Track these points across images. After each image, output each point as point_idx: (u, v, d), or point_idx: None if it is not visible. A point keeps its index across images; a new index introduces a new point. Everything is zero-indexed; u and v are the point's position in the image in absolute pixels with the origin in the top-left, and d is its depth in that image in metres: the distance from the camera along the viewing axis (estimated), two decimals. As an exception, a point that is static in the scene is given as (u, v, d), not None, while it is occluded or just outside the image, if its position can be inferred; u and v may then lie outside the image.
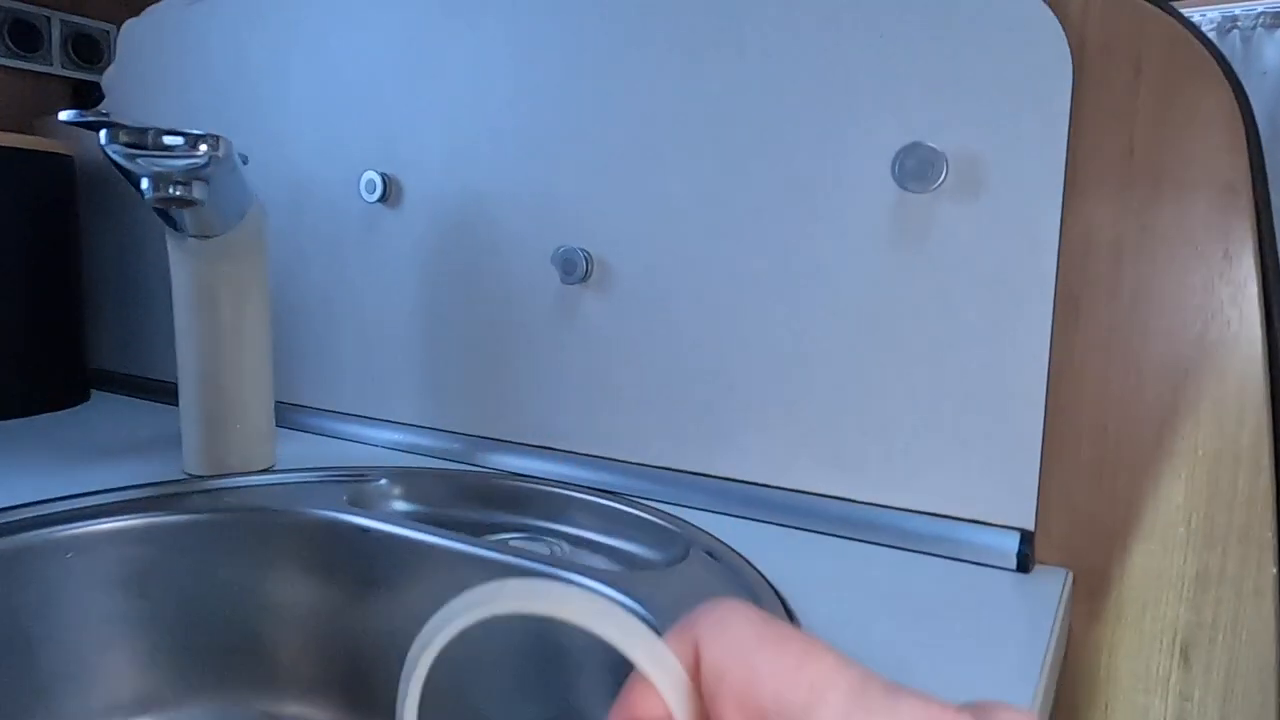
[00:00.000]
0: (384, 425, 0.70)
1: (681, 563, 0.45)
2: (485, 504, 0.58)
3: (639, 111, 0.55)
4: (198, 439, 0.59)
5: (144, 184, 0.42)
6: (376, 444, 0.69)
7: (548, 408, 0.62)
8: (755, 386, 0.53)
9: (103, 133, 0.41)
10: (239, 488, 0.57)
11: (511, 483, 0.59)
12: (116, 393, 0.90)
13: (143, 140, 0.40)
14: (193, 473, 0.59)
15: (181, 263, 0.56)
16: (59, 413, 0.80)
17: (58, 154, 0.80)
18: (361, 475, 0.60)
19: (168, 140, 0.40)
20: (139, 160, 0.41)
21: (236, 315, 0.58)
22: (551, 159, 0.59)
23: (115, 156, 0.41)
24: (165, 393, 0.87)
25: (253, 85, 0.75)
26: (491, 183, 0.62)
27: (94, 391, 0.88)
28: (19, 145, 0.76)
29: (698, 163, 0.54)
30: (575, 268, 0.58)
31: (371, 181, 0.67)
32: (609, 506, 0.54)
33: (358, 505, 0.56)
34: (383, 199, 0.67)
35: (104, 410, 0.82)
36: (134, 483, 0.56)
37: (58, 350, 0.82)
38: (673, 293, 0.55)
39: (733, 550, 0.47)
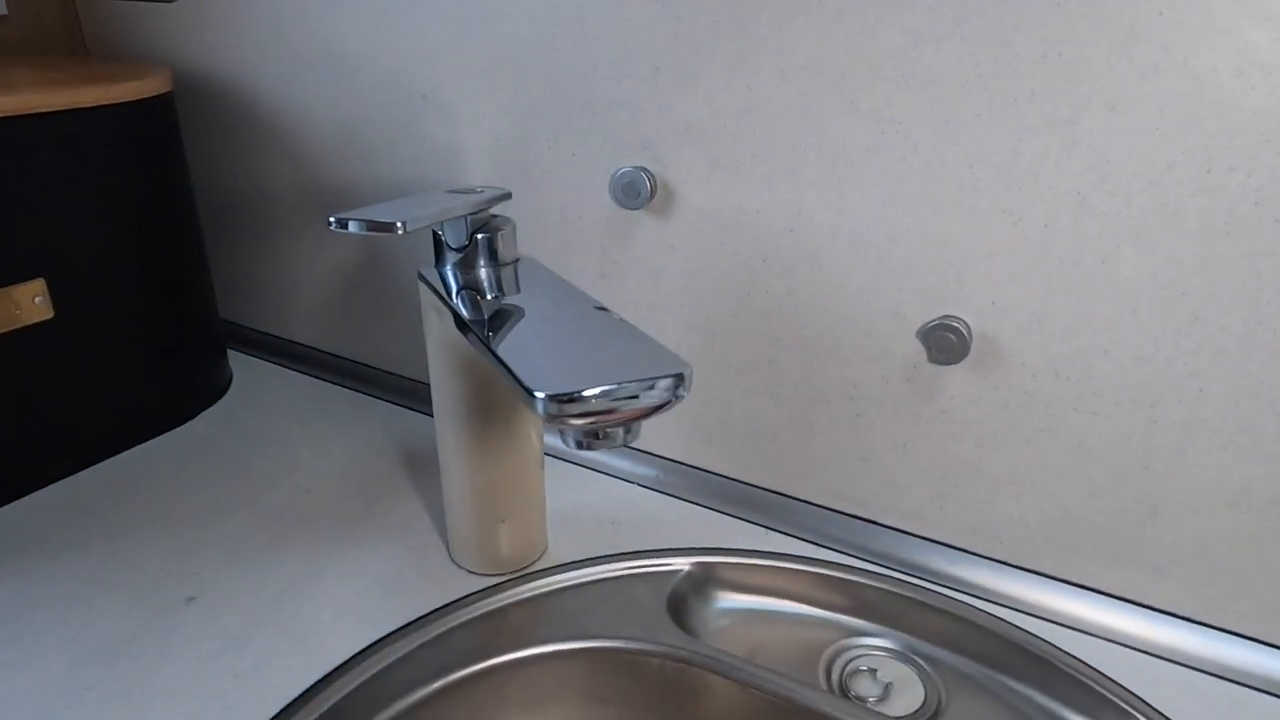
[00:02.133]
0: (631, 456, 0.60)
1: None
2: (822, 604, 0.51)
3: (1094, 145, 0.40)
4: (470, 537, 0.50)
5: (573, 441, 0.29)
6: (632, 479, 0.60)
7: (878, 473, 0.52)
8: (1189, 522, 0.44)
9: (568, 438, 0.28)
10: (542, 596, 0.49)
11: (855, 579, 0.51)
12: (248, 353, 0.78)
13: (598, 429, 0.27)
14: (466, 567, 0.51)
15: (455, 373, 0.44)
16: (212, 412, 0.69)
17: (159, 96, 0.61)
18: (664, 566, 0.51)
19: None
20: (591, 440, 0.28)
21: (510, 424, 0.46)
22: (934, 198, 0.44)
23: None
24: (304, 359, 0.75)
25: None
26: (823, 207, 0.47)
27: (229, 353, 0.76)
28: (110, 100, 0.56)
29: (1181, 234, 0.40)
30: (951, 347, 0.46)
31: (633, 184, 0.51)
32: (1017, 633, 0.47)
33: (678, 610, 0.49)
34: (648, 201, 0.52)
35: (256, 403, 0.70)
36: (403, 577, 0.48)
37: (198, 341, 0.69)
38: (1094, 386, 0.44)
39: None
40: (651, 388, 0.27)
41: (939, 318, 0.46)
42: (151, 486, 0.58)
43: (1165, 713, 0.42)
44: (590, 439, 0.28)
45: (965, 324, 0.45)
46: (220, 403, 0.70)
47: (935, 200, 0.44)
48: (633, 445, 0.60)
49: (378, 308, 0.69)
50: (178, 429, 0.66)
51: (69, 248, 0.56)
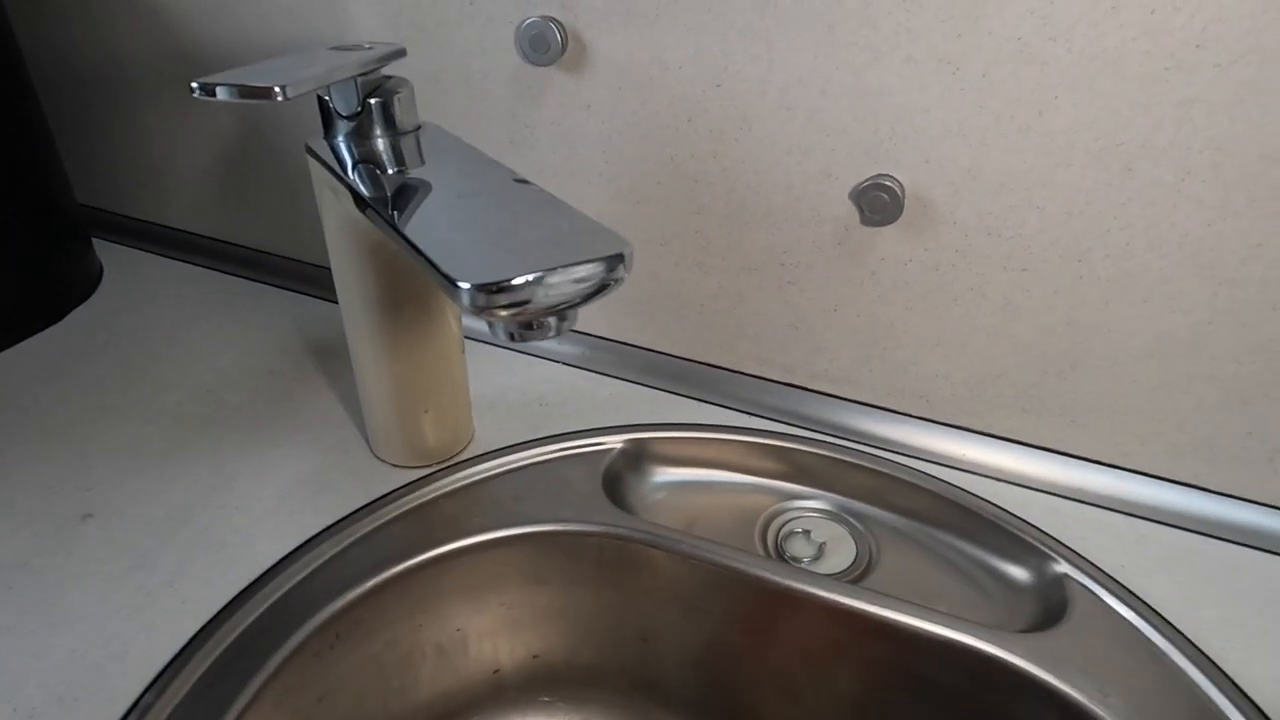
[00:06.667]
0: (556, 333, 0.58)
1: (1063, 605, 0.42)
2: (755, 471, 0.51)
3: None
4: (392, 430, 0.47)
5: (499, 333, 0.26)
6: (558, 359, 0.58)
7: (808, 340, 0.52)
8: (1106, 372, 0.45)
9: (497, 330, 0.24)
10: (473, 485, 0.47)
11: (786, 445, 0.51)
12: (118, 241, 0.71)
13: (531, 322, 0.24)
14: (390, 461, 0.49)
15: (359, 257, 0.40)
16: (85, 310, 0.62)
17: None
18: (596, 445, 0.50)
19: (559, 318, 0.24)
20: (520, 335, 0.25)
21: (425, 308, 0.43)
22: (868, 47, 0.41)
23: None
24: (184, 246, 0.69)
25: None
26: (751, 59, 0.44)
27: (96, 244, 0.68)
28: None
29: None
30: (884, 208, 0.44)
31: (541, 36, 0.46)
32: (947, 490, 0.48)
33: (614, 488, 0.48)
34: (559, 56, 0.47)
35: (135, 298, 0.64)
36: (324, 476, 0.45)
37: (52, 225, 0.61)
38: (1024, 244, 0.43)
39: (1113, 579, 0.43)
40: (588, 271, 0.24)
41: (872, 177, 0.44)
42: (25, 396, 0.53)
43: (1078, 550, 0.44)
44: (523, 330, 0.26)
45: (899, 183, 0.44)
46: (93, 299, 0.63)
47: (870, 49, 0.41)
48: (556, 323, 0.58)
49: (264, 184, 0.62)
50: (45, 331, 0.59)
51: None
